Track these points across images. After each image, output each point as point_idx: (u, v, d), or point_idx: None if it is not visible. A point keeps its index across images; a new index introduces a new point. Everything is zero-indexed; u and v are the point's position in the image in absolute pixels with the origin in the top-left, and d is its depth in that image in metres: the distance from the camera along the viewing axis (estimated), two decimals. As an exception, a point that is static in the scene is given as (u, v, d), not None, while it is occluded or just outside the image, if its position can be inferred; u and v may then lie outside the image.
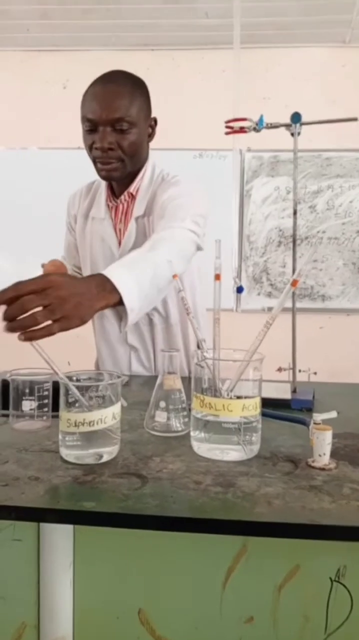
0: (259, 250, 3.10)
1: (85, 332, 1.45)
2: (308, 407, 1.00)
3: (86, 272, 1.36)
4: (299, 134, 1.14)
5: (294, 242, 1.14)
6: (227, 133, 1.19)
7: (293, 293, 1.08)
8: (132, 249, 1.23)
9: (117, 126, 1.16)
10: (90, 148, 1.21)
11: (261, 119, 1.15)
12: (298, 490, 0.65)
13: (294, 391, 1.09)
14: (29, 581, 0.66)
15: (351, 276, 3.06)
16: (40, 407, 0.88)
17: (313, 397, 1.06)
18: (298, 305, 1.15)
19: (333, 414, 0.78)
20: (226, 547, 0.64)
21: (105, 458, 0.74)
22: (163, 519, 0.59)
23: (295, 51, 3.11)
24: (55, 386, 0.81)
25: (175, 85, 3.03)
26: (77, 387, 0.73)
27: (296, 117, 1.12)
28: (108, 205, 1.32)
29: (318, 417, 0.76)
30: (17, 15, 2.86)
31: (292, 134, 1.14)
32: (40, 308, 0.75)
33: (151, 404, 0.88)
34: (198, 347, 0.83)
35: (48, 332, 0.76)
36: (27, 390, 0.87)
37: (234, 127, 1.17)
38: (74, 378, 0.75)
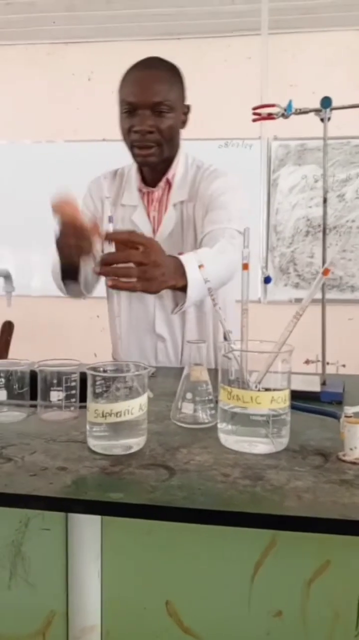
0: (286, 241, 3.06)
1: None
2: (338, 400, 0.98)
3: None
4: (329, 119, 1.11)
5: (324, 231, 1.11)
6: (254, 120, 1.17)
7: (323, 284, 1.06)
8: (170, 236, 1.27)
9: (157, 109, 1.18)
10: (128, 132, 1.21)
11: (289, 105, 1.12)
12: (329, 484, 0.64)
13: (323, 383, 1.07)
14: (57, 570, 0.67)
15: (381, 266, 2.99)
16: (67, 397, 0.89)
17: (343, 389, 1.04)
18: (326, 296, 1.13)
19: (365, 407, 0.76)
20: (254, 541, 0.63)
21: (132, 449, 0.73)
22: (191, 511, 0.58)
23: (322, 35, 3.04)
24: (83, 377, 0.81)
25: (200, 74, 3.00)
26: (104, 378, 0.73)
27: (326, 102, 1.09)
28: (141, 192, 1.31)
29: (349, 410, 0.74)
30: (43, 7, 2.88)
31: (321, 120, 1.11)
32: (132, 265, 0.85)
33: (177, 396, 0.88)
34: (225, 338, 0.82)
35: (133, 287, 0.86)
36: (54, 381, 0.88)
37: (262, 114, 1.14)
38: (101, 369, 0.75)
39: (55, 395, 0.88)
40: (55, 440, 0.79)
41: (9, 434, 0.81)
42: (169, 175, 1.29)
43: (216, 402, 0.81)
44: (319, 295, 1.05)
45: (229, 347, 0.76)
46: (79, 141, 3.15)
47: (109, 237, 0.87)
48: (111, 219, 0.93)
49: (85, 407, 0.75)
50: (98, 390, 0.73)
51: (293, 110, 1.12)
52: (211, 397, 0.87)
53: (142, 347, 1.35)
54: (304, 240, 3.04)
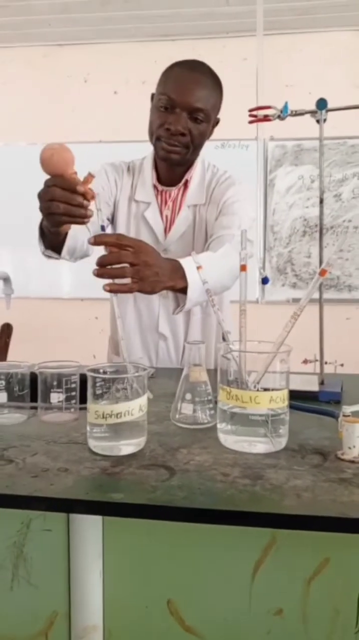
0: (283, 241, 3.07)
1: (109, 327, 1.47)
2: (336, 400, 0.99)
3: None
4: (324, 120, 1.11)
5: (320, 232, 1.12)
6: (251, 122, 1.17)
7: (320, 283, 1.06)
8: (182, 237, 1.29)
9: (194, 115, 1.18)
10: (159, 126, 1.20)
11: (285, 106, 1.13)
12: (328, 482, 0.65)
13: (321, 383, 1.07)
14: (59, 570, 0.67)
15: (378, 266, 3.00)
16: (68, 399, 0.89)
17: (341, 389, 1.05)
18: (324, 296, 1.13)
19: (363, 406, 0.76)
20: (254, 540, 0.63)
21: (132, 450, 0.74)
22: (191, 510, 0.59)
23: (318, 36, 3.05)
24: (83, 378, 0.82)
25: (196, 75, 3.00)
26: (104, 380, 0.74)
27: (321, 104, 1.10)
28: (156, 189, 1.31)
29: (347, 409, 0.75)
30: (39, 10, 2.88)
31: (317, 121, 1.11)
32: (127, 265, 0.87)
33: (177, 396, 0.88)
34: (223, 339, 0.83)
35: (129, 289, 0.89)
36: (55, 383, 0.88)
37: (258, 116, 1.15)
38: (101, 370, 0.76)
39: (56, 397, 0.88)
40: (56, 441, 0.79)
41: (10, 435, 0.82)
42: (188, 176, 1.29)
43: (216, 402, 0.81)
44: (316, 295, 1.06)
45: (227, 348, 0.77)
46: (75, 143, 3.14)
47: (97, 241, 0.87)
48: (103, 229, 0.92)
49: (85, 408, 0.75)
50: (98, 392, 0.73)
51: (289, 112, 1.12)
52: (210, 397, 0.87)
53: (143, 345, 1.36)
54: (302, 240, 3.05)
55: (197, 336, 1.32)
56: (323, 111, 1.10)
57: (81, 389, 0.88)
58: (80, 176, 0.88)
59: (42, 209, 0.91)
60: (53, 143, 0.87)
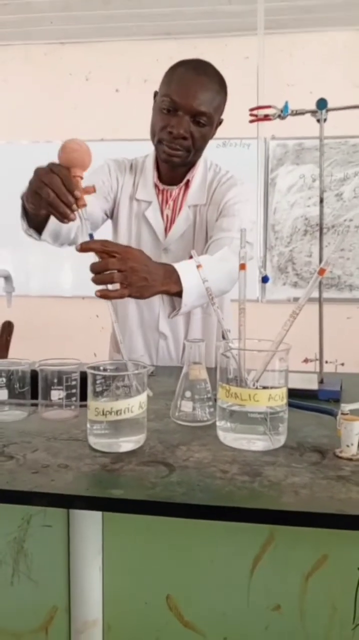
0: (284, 240, 3.07)
1: (110, 325, 1.47)
2: (335, 398, 0.99)
3: None
4: (325, 120, 1.12)
5: (321, 231, 1.12)
6: (251, 121, 1.18)
7: (320, 283, 1.07)
8: (182, 237, 1.29)
9: (197, 118, 1.17)
10: (161, 128, 1.20)
11: (285, 106, 1.13)
12: (326, 480, 0.65)
13: (321, 382, 1.08)
14: (59, 566, 0.68)
15: (378, 265, 3.00)
16: (68, 396, 0.90)
17: (341, 387, 1.05)
18: (325, 295, 1.14)
19: (361, 404, 0.77)
20: (253, 536, 0.64)
21: (132, 446, 0.75)
22: (190, 506, 0.59)
23: (319, 35, 3.05)
24: (83, 376, 0.82)
25: (198, 74, 3.00)
26: (104, 377, 0.74)
27: (322, 104, 1.10)
28: (157, 188, 1.31)
29: (345, 407, 0.75)
30: (40, 8, 2.88)
31: (318, 121, 1.12)
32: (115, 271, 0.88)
33: (176, 394, 0.89)
34: (223, 337, 0.83)
35: (120, 295, 0.90)
36: (55, 380, 0.89)
37: (259, 115, 1.15)
38: (101, 368, 0.76)
39: (56, 394, 0.89)
40: (57, 438, 0.80)
41: (11, 432, 0.82)
42: (190, 176, 1.29)
43: (215, 400, 0.82)
44: (316, 294, 1.06)
45: (227, 346, 0.77)
46: (77, 141, 3.16)
47: (83, 248, 0.87)
48: (91, 237, 0.92)
49: (85, 405, 0.76)
50: (98, 389, 0.74)
51: (289, 112, 1.13)
52: (209, 395, 0.88)
53: (144, 343, 1.37)
54: (303, 239, 3.05)
55: (197, 336, 1.32)
56: (323, 111, 1.10)
57: (82, 386, 0.88)
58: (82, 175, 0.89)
59: (32, 185, 0.92)
60: (83, 141, 0.91)
